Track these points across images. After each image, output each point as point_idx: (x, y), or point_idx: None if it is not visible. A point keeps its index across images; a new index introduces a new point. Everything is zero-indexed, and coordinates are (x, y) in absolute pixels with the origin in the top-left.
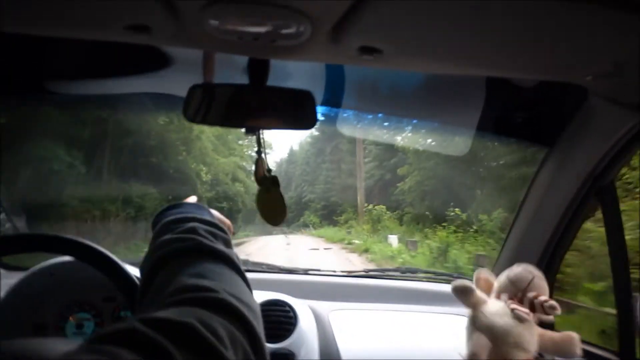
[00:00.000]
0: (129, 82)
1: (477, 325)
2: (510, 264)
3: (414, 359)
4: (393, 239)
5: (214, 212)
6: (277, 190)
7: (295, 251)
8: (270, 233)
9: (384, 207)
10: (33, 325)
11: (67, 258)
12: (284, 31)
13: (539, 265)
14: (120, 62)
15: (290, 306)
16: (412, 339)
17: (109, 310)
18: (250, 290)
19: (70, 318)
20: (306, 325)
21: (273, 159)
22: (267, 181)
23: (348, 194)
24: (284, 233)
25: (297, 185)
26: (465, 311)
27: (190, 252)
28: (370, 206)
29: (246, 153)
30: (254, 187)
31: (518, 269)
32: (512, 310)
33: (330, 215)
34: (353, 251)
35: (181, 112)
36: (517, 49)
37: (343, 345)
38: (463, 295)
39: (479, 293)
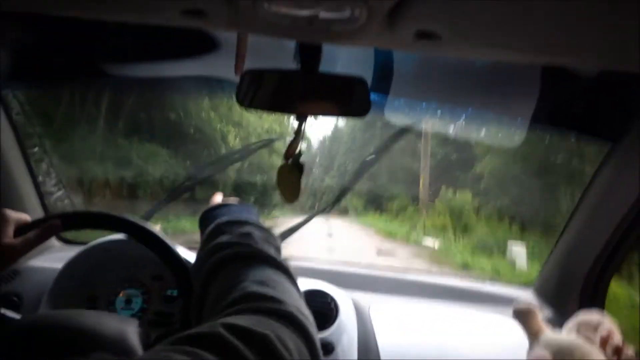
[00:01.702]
0: (179, 64)
1: (540, 343)
2: (561, 267)
3: (454, 359)
4: (519, 253)
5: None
6: (297, 175)
7: (341, 248)
8: (306, 214)
9: (470, 194)
10: (87, 297)
11: (121, 236)
12: (339, 15)
13: (592, 271)
14: (170, 45)
15: (331, 297)
16: (455, 339)
17: (157, 289)
18: (302, 296)
19: (121, 293)
20: (347, 317)
21: (316, 137)
22: (293, 162)
23: (400, 176)
24: (324, 216)
25: (340, 164)
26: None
27: (250, 258)
28: (449, 192)
29: (285, 119)
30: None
31: (586, 315)
32: (578, 330)
33: (375, 199)
34: (439, 262)
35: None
36: (588, 35)
37: (382, 339)
38: (524, 317)
39: (542, 322)
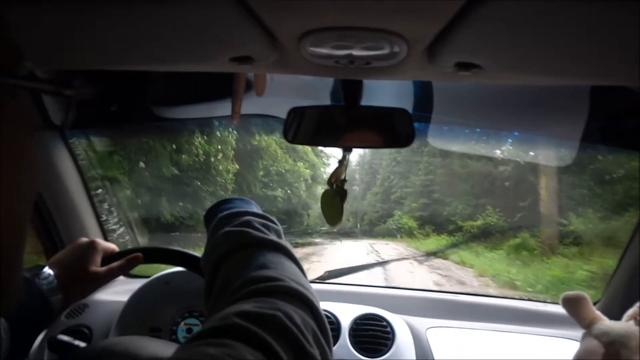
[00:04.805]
0: (224, 105)
1: (592, 333)
2: (626, 286)
3: None
4: None
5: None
6: (340, 201)
7: None
8: (346, 235)
9: None
10: (150, 328)
11: (180, 268)
12: (379, 53)
13: None
14: (217, 86)
15: (387, 321)
16: None
17: None
18: (305, 275)
19: (182, 323)
20: (403, 341)
21: (356, 151)
22: (338, 189)
23: (462, 187)
24: (370, 240)
25: (384, 179)
26: (578, 335)
27: (250, 246)
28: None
29: None
30: (327, 173)
31: None
32: (636, 318)
33: (433, 218)
34: None
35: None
36: (629, 54)
37: None
38: (575, 306)
39: (595, 310)
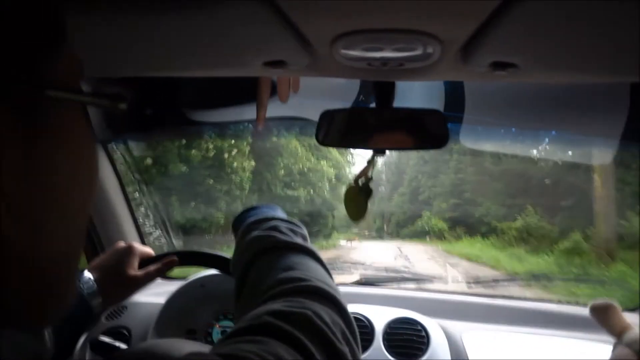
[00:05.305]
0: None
1: (624, 341)
2: None
3: None
4: None
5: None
6: (365, 199)
7: None
8: (373, 236)
9: None
10: (186, 330)
11: (215, 271)
12: (412, 54)
13: None
14: (246, 90)
15: (421, 324)
16: None
17: None
18: (331, 276)
19: (217, 325)
20: (439, 345)
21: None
22: (363, 187)
23: (495, 186)
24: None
25: (412, 179)
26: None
27: (277, 249)
28: None
29: None
30: (352, 173)
31: None
32: None
33: (464, 219)
34: None
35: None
36: None
37: None
38: (604, 316)
39: (626, 318)
